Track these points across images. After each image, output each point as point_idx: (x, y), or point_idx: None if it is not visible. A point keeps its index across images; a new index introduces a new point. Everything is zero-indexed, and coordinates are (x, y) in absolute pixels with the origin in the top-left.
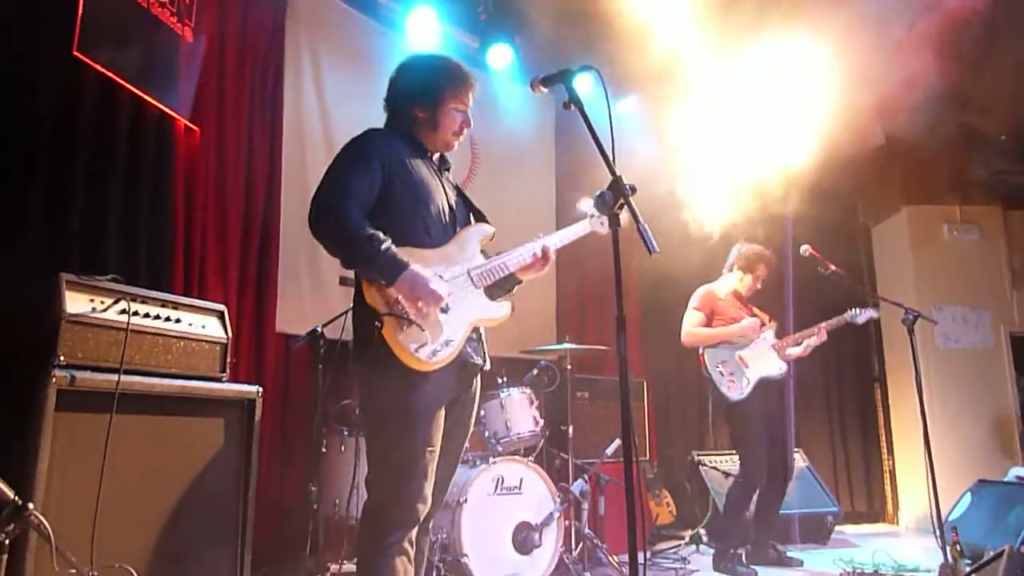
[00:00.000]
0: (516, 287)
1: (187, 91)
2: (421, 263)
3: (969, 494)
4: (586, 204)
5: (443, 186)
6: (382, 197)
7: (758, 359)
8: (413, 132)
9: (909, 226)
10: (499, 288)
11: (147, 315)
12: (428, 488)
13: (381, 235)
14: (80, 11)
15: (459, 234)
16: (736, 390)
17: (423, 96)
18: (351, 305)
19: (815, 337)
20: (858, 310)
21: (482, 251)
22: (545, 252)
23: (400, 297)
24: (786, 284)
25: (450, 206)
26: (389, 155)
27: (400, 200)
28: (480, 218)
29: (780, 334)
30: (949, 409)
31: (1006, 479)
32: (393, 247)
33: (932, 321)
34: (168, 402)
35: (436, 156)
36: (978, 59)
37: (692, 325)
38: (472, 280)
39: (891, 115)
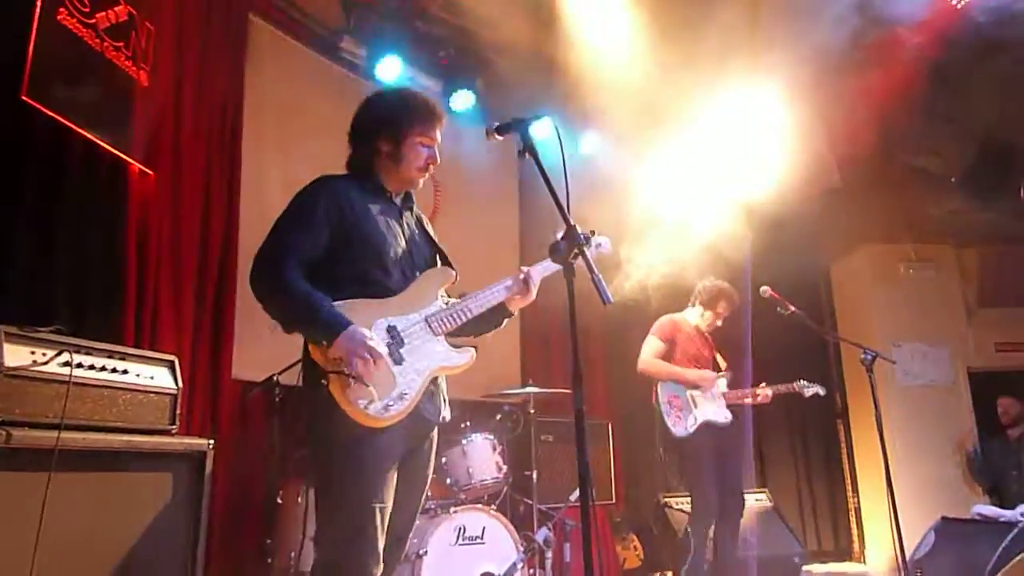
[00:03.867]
0: (505, 320)
1: (141, 135)
2: (372, 314)
3: (933, 532)
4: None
5: (402, 227)
6: (333, 247)
7: (707, 403)
8: (374, 169)
9: (867, 265)
10: (486, 324)
11: (92, 367)
12: (380, 545)
13: (319, 296)
14: (30, 54)
15: (418, 280)
16: (681, 426)
17: (387, 128)
18: None
19: (760, 397)
20: (805, 383)
21: (446, 295)
22: (527, 277)
23: (341, 357)
24: (744, 327)
25: (409, 250)
26: (338, 202)
27: (352, 248)
28: (444, 261)
29: (733, 384)
30: (911, 445)
31: (970, 516)
32: (332, 307)
33: (890, 361)
34: (112, 458)
35: (399, 196)
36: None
37: (651, 354)
38: (431, 327)
39: (845, 158)
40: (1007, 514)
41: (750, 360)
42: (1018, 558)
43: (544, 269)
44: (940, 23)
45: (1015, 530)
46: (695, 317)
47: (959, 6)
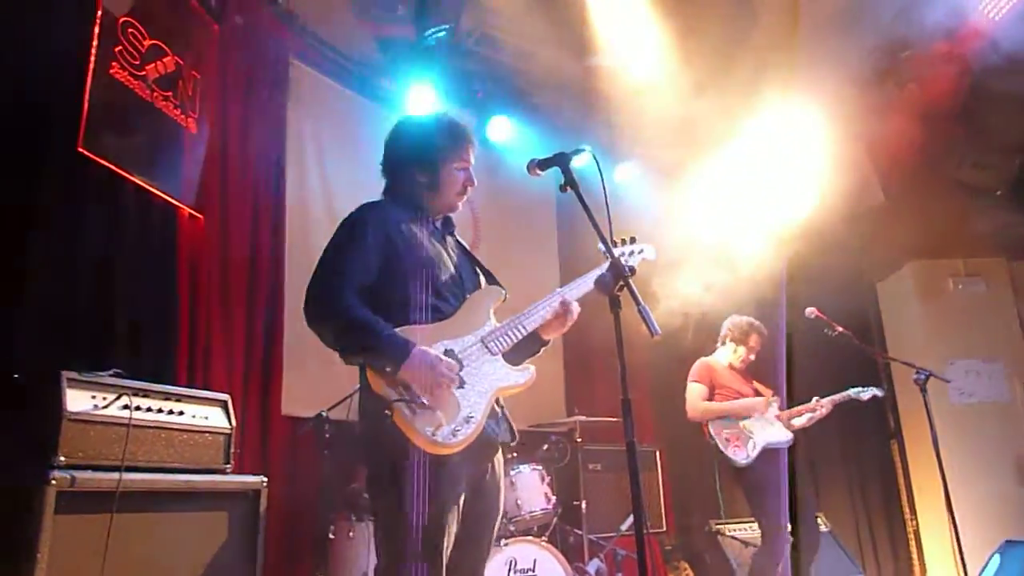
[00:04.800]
0: (542, 349)
1: (191, 180)
2: (428, 338)
3: (998, 555)
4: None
5: (447, 251)
6: (383, 273)
7: (763, 428)
8: (414, 197)
9: (914, 281)
10: (522, 352)
11: (149, 409)
12: (444, 572)
13: (380, 320)
14: (85, 108)
15: (468, 300)
16: (742, 454)
17: (421, 159)
18: (358, 386)
19: (818, 412)
20: (860, 388)
21: (494, 315)
22: (566, 305)
23: (408, 381)
24: (779, 352)
25: (458, 273)
26: (385, 229)
27: (403, 274)
28: (491, 280)
29: (782, 407)
30: (968, 465)
31: None
32: (394, 331)
33: (944, 380)
34: (170, 498)
35: (439, 220)
36: (970, 115)
37: (697, 399)
38: (488, 348)
39: (888, 173)
40: None
41: (784, 387)
42: None
43: (582, 286)
44: (976, 35)
45: None
46: (727, 355)
47: (996, 18)
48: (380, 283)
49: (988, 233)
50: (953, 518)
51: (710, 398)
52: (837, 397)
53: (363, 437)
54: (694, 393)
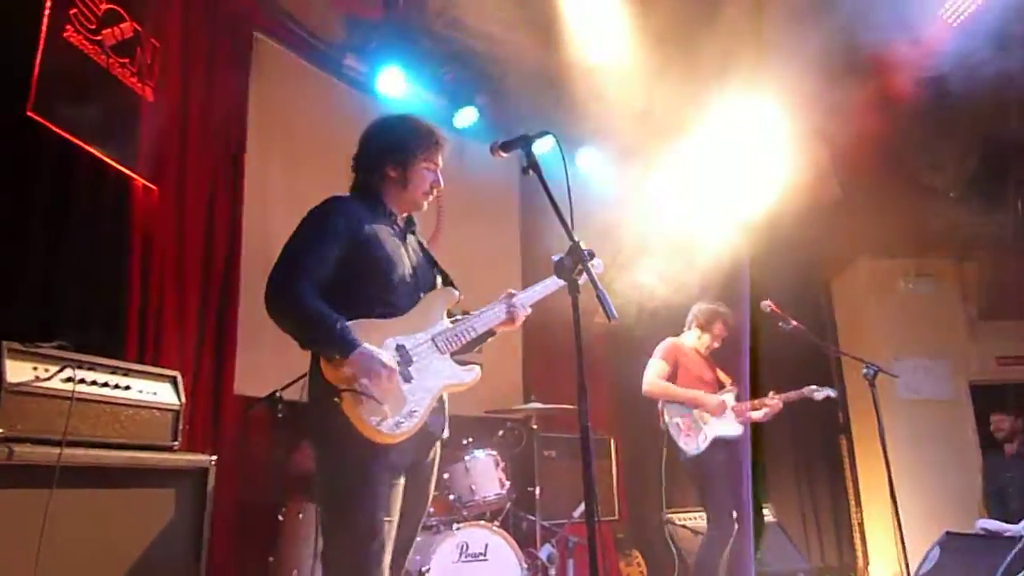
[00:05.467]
0: (489, 339)
1: (146, 150)
2: (382, 334)
3: (938, 547)
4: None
5: (407, 250)
6: (343, 268)
7: (716, 420)
8: (381, 193)
9: (867, 278)
10: (471, 345)
11: (94, 383)
12: (387, 560)
13: (332, 314)
14: (36, 71)
15: (423, 300)
16: (693, 444)
17: (394, 154)
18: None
19: (771, 406)
20: (816, 387)
21: (449, 314)
22: (512, 314)
23: (355, 373)
24: (743, 344)
25: (414, 271)
26: (349, 224)
27: (362, 270)
28: (447, 281)
29: (740, 397)
30: (914, 459)
31: (974, 531)
32: (347, 325)
33: (892, 375)
34: (115, 474)
35: (402, 218)
36: (928, 116)
37: (657, 376)
38: (437, 346)
39: (846, 171)
40: (1011, 528)
41: (747, 378)
42: (1021, 573)
43: (535, 294)
44: (936, 39)
45: (1019, 544)
46: (692, 340)
47: (954, 24)
48: (340, 278)
49: (939, 234)
50: (897, 510)
51: (671, 378)
52: (792, 394)
53: (310, 421)
54: (654, 369)
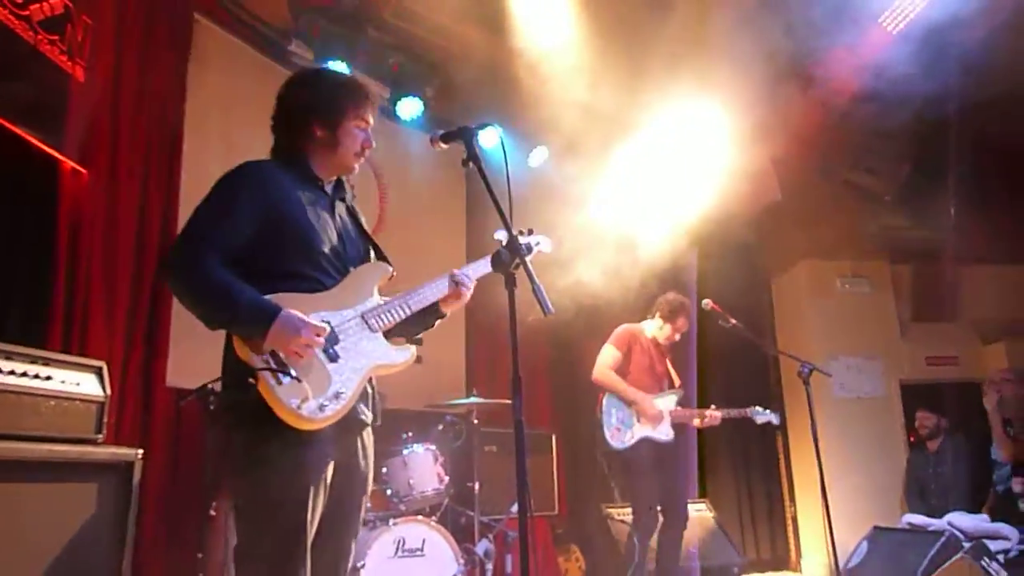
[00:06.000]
0: (437, 321)
1: (76, 132)
2: (305, 309)
3: (866, 542)
4: (501, 233)
5: (334, 220)
6: (258, 238)
7: (652, 419)
8: (305, 155)
9: (805, 279)
10: (417, 325)
11: (12, 372)
12: (308, 560)
13: (243, 285)
14: None
15: (352, 273)
16: (618, 439)
17: (321, 112)
18: None
19: (708, 419)
20: (759, 410)
21: (379, 292)
22: (460, 281)
23: (276, 348)
24: (690, 341)
25: (341, 241)
26: (264, 190)
27: (279, 240)
28: (380, 255)
29: (684, 402)
30: (846, 456)
31: (901, 526)
32: (257, 295)
33: (826, 374)
34: (34, 467)
35: (330, 183)
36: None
37: (606, 364)
38: (367, 324)
39: (787, 173)
40: (935, 523)
41: (695, 375)
42: (945, 565)
43: (479, 268)
44: (875, 45)
45: (942, 539)
46: (653, 329)
47: (893, 31)
48: (254, 249)
49: (875, 237)
50: (827, 505)
51: (622, 367)
52: (733, 412)
53: (224, 407)
54: (606, 356)
